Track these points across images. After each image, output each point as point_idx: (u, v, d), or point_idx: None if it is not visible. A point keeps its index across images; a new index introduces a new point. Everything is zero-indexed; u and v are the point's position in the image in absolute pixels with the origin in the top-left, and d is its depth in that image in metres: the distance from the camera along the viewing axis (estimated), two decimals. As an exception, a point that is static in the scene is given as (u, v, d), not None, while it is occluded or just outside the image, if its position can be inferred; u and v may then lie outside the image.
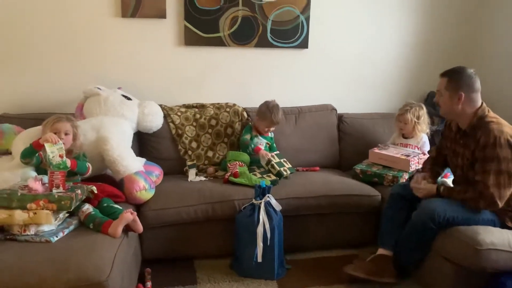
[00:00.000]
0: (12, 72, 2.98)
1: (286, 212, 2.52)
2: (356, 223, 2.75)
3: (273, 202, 2.41)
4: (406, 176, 2.79)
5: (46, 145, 2.09)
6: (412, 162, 2.79)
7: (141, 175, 2.48)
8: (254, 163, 2.93)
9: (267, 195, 2.39)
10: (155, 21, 3.09)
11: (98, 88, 2.84)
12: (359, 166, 2.94)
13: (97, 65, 3.08)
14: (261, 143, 2.96)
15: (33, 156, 2.21)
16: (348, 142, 3.27)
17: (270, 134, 3.06)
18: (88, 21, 3.01)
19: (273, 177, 2.75)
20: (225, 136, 3.09)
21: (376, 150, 2.96)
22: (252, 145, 2.90)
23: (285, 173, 2.79)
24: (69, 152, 2.28)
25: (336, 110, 3.34)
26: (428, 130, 3.01)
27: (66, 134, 2.30)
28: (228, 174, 2.72)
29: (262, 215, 2.34)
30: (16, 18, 2.91)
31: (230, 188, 2.61)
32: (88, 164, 2.36)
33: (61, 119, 2.32)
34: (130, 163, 2.47)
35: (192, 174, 2.84)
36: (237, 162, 2.81)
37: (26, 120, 2.79)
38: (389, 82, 3.57)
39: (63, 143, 2.17)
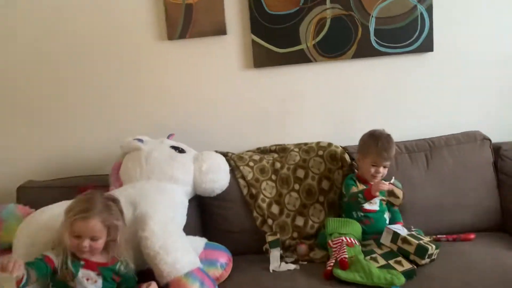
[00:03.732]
0: (38, 128, 2.32)
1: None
2: None
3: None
4: None
5: None
6: None
7: (196, 277, 1.58)
8: (369, 234, 1.90)
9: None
10: (212, 39, 2.25)
11: (139, 140, 2.04)
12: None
13: (140, 106, 2.31)
14: (371, 202, 1.92)
15: None
16: (515, 188, 2.08)
17: (397, 183, 1.99)
18: (124, 50, 2.26)
19: (407, 265, 1.68)
20: (320, 194, 2.10)
21: None
22: (360, 195, 1.86)
23: (430, 248, 1.70)
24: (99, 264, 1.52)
25: (489, 140, 2.17)
26: None
27: (94, 239, 1.50)
28: (331, 262, 1.71)
29: None
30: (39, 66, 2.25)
31: (338, 291, 1.60)
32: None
33: (89, 216, 1.48)
34: (179, 258, 1.60)
35: (275, 259, 1.88)
36: (343, 238, 1.79)
37: (52, 190, 2.08)
38: None
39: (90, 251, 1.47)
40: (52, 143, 2.32)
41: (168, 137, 2.16)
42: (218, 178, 2.02)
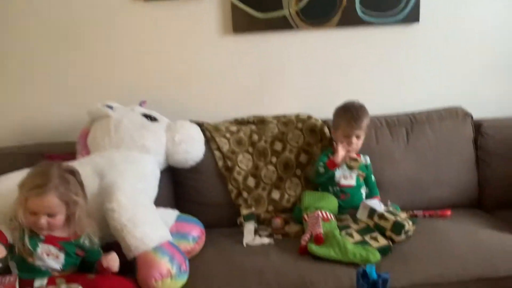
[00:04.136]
0: (2, 92, 2.16)
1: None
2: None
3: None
4: None
5: None
6: None
7: (165, 251, 1.51)
8: (346, 209, 1.86)
9: (383, 293, 1.30)
10: (189, 1, 2.10)
11: (108, 107, 1.93)
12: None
13: (110, 71, 2.17)
14: (346, 175, 1.89)
15: None
16: (494, 166, 2.06)
17: (363, 159, 1.95)
18: (95, 10, 2.10)
19: (382, 241, 1.65)
20: (297, 167, 2.03)
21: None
22: (321, 163, 1.86)
23: (406, 225, 1.67)
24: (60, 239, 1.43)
25: (470, 115, 2.13)
26: None
27: (51, 215, 1.39)
28: (306, 237, 1.66)
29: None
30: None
31: (311, 267, 1.56)
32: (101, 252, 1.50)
33: (44, 191, 1.35)
34: (147, 232, 1.52)
35: (249, 233, 1.83)
36: (319, 212, 1.74)
37: (15, 156, 1.95)
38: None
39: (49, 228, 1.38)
40: (16, 108, 2.17)
41: (140, 105, 2.04)
42: (192, 149, 1.93)
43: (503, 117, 2.15)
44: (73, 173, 1.46)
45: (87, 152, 1.88)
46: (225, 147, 2.03)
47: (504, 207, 1.99)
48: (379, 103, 2.18)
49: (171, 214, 1.79)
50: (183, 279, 1.52)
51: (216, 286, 1.52)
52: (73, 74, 2.16)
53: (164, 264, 1.47)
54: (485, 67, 2.23)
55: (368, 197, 1.93)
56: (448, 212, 1.93)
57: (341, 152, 1.82)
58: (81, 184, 1.47)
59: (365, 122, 1.87)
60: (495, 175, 2.04)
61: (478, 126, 2.10)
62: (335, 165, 1.82)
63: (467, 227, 1.80)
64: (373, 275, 1.30)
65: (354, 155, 1.88)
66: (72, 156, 1.86)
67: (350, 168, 1.89)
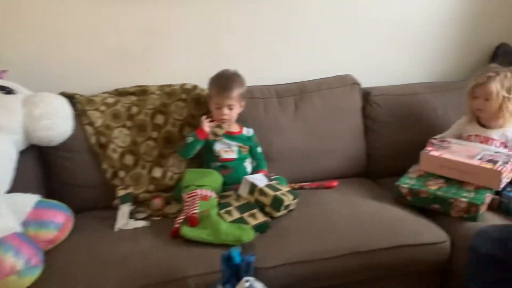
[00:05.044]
0: None
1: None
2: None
3: None
4: (488, 198, 1.61)
5: None
6: (504, 174, 1.60)
7: (9, 245, 1.31)
8: (231, 185, 1.76)
9: (246, 279, 1.21)
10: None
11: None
12: (406, 181, 1.75)
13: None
14: (226, 149, 1.79)
15: None
16: (381, 134, 2.06)
17: (246, 131, 1.85)
18: None
19: (261, 218, 1.57)
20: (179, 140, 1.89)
21: (433, 151, 1.76)
22: (190, 138, 1.78)
23: (286, 199, 1.60)
24: None
25: (359, 84, 2.09)
26: (523, 115, 1.78)
27: None
28: (180, 220, 1.54)
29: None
30: None
31: (182, 251, 1.44)
32: None
33: None
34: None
35: (122, 217, 1.66)
36: (198, 191, 1.62)
37: None
38: (438, 34, 2.28)
39: None
40: None
41: (-4, 74, 1.76)
42: (55, 125, 1.69)
43: (390, 85, 2.14)
44: None
45: None
46: (99, 121, 1.82)
47: (391, 175, 1.99)
48: (269, 73, 2.08)
49: (28, 200, 1.56)
50: (34, 274, 1.34)
51: (72, 278, 1.35)
52: None
53: (7, 260, 1.28)
54: (373, 36, 2.19)
55: (255, 171, 1.85)
56: (335, 183, 1.90)
57: (205, 123, 1.75)
58: None
59: (236, 92, 1.75)
60: (383, 144, 2.05)
61: (366, 95, 2.08)
62: (204, 134, 1.72)
63: (352, 198, 1.77)
64: (236, 259, 1.20)
65: (231, 127, 1.77)
66: None
67: (214, 134, 1.78)
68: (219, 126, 1.77)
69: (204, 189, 1.64)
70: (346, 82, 2.05)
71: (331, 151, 2.00)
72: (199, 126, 1.82)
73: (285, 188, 1.68)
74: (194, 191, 1.63)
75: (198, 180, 1.68)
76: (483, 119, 1.81)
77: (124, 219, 1.65)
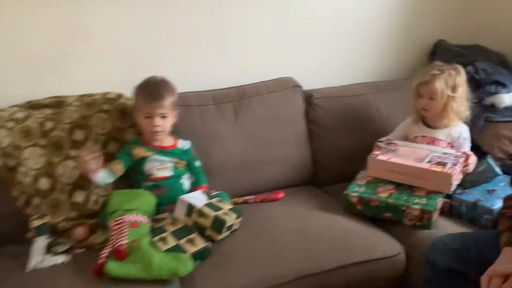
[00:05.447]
0: None
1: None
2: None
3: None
4: (440, 203, 1.54)
5: None
6: (455, 177, 1.54)
7: None
8: (166, 205, 1.56)
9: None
10: None
11: None
12: (355, 189, 1.64)
13: None
14: (159, 166, 1.58)
15: None
16: (326, 139, 1.94)
17: (181, 144, 1.66)
18: None
19: (200, 243, 1.39)
20: (106, 160, 1.64)
21: (380, 155, 1.67)
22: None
23: (228, 220, 1.43)
24: None
25: (300, 87, 1.97)
26: (467, 113, 1.74)
27: None
28: (104, 254, 1.32)
29: None
30: None
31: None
32: None
33: None
34: None
35: (37, 252, 1.41)
36: (127, 217, 1.41)
37: None
38: (376, 32, 2.20)
39: None
40: None
41: None
42: None
43: (332, 87, 2.03)
44: None
45: None
46: (5, 141, 1.55)
47: (338, 181, 1.90)
48: (205, 77, 1.91)
49: None
50: None
51: None
52: None
53: None
54: (311, 36, 2.06)
55: (195, 187, 1.66)
56: (281, 195, 1.77)
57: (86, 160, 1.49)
58: None
59: (169, 100, 1.56)
60: (328, 149, 1.94)
61: (308, 97, 1.96)
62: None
63: (299, 211, 1.64)
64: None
65: (164, 140, 1.59)
66: None
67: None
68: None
69: (133, 213, 1.43)
70: (287, 85, 1.92)
71: (274, 159, 1.85)
72: (125, 140, 1.61)
73: (227, 206, 1.51)
74: (122, 217, 1.42)
75: (127, 203, 1.46)
76: (429, 119, 1.75)
77: (39, 255, 1.40)
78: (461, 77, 1.68)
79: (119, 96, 1.72)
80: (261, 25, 1.97)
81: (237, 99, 1.84)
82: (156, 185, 1.57)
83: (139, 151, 1.58)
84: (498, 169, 1.64)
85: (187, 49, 1.90)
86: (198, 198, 1.51)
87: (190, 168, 1.68)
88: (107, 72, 1.83)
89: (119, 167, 1.57)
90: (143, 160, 1.57)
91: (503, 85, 1.88)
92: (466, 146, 1.72)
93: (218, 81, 1.92)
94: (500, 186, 1.58)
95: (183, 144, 1.66)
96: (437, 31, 2.29)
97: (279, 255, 1.38)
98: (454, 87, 1.65)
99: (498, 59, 2.19)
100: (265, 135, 1.84)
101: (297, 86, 1.94)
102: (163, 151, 1.60)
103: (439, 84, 1.63)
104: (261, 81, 1.93)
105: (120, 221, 1.41)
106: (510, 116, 1.83)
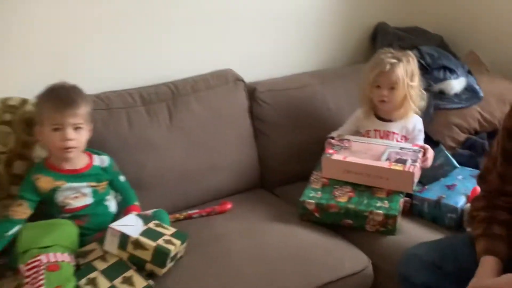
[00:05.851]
0: None
1: None
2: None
3: None
4: (402, 204, 1.43)
5: None
6: (416, 174, 1.44)
7: None
8: (91, 235, 1.29)
9: None
10: None
11: None
12: (311, 194, 1.47)
13: None
14: (74, 195, 1.29)
15: None
16: (273, 137, 1.75)
17: (99, 161, 1.36)
18: None
19: (140, 282, 1.14)
20: (12, 184, 1.33)
21: (335, 154, 1.52)
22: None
23: (172, 249, 1.20)
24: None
25: (243, 80, 1.75)
26: (424, 103, 1.63)
27: None
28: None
29: None
30: None
31: None
32: None
33: None
34: None
35: None
36: (43, 257, 1.12)
37: None
38: (315, 17, 2.02)
39: None
40: None
41: None
42: None
43: (275, 78, 1.85)
44: None
45: None
46: None
47: (288, 182, 1.74)
48: (132, 74, 1.63)
49: None
50: None
51: None
52: None
53: None
54: (248, 24, 1.84)
55: (124, 208, 1.39)
56: (228, 205, 1.56)
57: None
58: None
59: (84, 108, 1.27)
60: (276, 148, 1.75)
61: (252, 92, 1.75)
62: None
63: (251, 224, 1.45)
64: None
65: (75, 161, 1.30)
66: None
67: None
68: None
69: (51, 252, 1.15)
70: (227, 79, 1.70)
71: (218, 164, 1.64)
72: (34, 157, 1.30)
73: (169, 231, 1.27)
74: (36, 258, 1.13)
75: (41, 239, 1.17)
76: (383, 112, 1.62)
77: None
78: (415, 64, 1.57)
79: (24, 102, 1.39)
80: (193, 13, 1.72)
81: (170, 98, 1.59)
82: (75, 216, 1.28)
83: (45, 183, 1.26)
84: (455, 162, 1.56)
85: (110, 42, 1.61)
86: (132, 225, 1.25)
87: (113, 186, 1.40)
88: (27, 69, 1.49)
89: (22, 210, 1.25)
90: (53, 192, 1.27)
91: (451, 70, 1.81)
92: (421, 138, 1.62)
93: (146, 77, 1.65)
94: (459, 180, 1.50)
95: (100, 161, 1.35)
96: (377, 13, 2.18)
97: (237, 286, 1.18)
98: (412, 75, 1.53)
99: (437, 40, 2.14)
100: (206, 138, 1.61)
101: (239, 79, 1.72)
102: (76, 175, 1.29)
103: (400, 73, 1.50)
104: (197, 75, 1.69)
105: (34, 263, 1.12)
106: (459, 103, 1.77)
